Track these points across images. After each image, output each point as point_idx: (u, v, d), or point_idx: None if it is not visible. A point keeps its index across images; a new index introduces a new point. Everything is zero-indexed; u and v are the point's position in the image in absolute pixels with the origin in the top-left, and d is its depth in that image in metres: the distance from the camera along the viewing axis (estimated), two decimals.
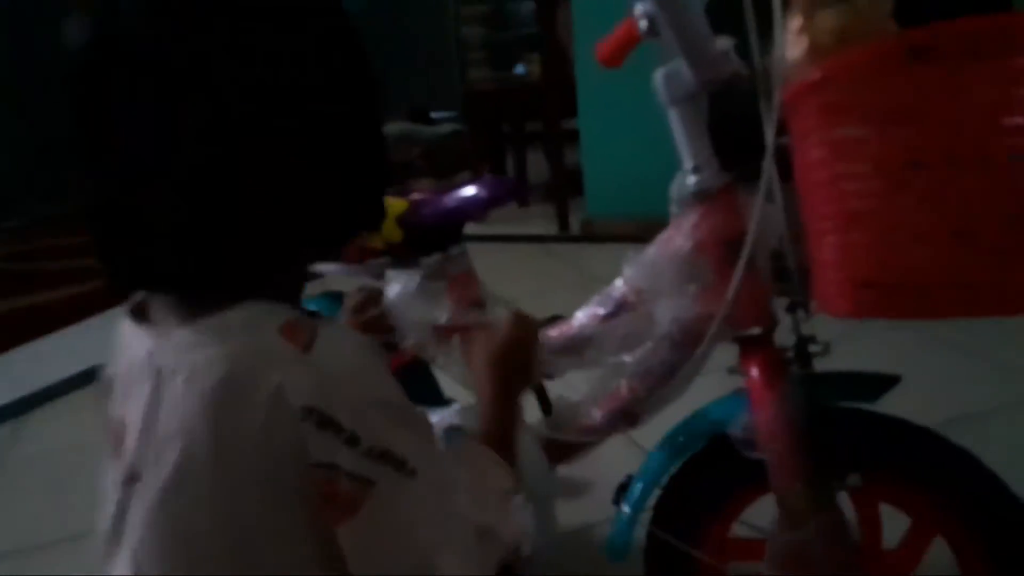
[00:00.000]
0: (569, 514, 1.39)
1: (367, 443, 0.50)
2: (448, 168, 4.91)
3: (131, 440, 0.54)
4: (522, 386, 0.81)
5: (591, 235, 3.27)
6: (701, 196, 0.83)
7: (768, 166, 0.76)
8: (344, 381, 0.51)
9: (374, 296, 0.97)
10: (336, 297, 1.31)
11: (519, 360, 0.82)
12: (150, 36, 0.49)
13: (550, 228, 3.44)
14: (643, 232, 3.43)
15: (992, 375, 1.74)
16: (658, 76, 0.83)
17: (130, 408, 0.55)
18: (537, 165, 4.12)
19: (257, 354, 0.50)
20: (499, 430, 0.76)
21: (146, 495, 0.52)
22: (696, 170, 0.83)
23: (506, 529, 0.63)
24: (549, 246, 3.27)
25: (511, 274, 2.95)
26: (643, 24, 0.86)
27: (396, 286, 0.97)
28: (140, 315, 0.58)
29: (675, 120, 0.83)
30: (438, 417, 1.14)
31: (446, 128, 5.20)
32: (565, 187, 3.42)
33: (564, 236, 3.36)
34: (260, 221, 0.52)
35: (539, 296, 2.73)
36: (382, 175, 0.62)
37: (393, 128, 4.99)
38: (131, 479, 0.54)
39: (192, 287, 0.54)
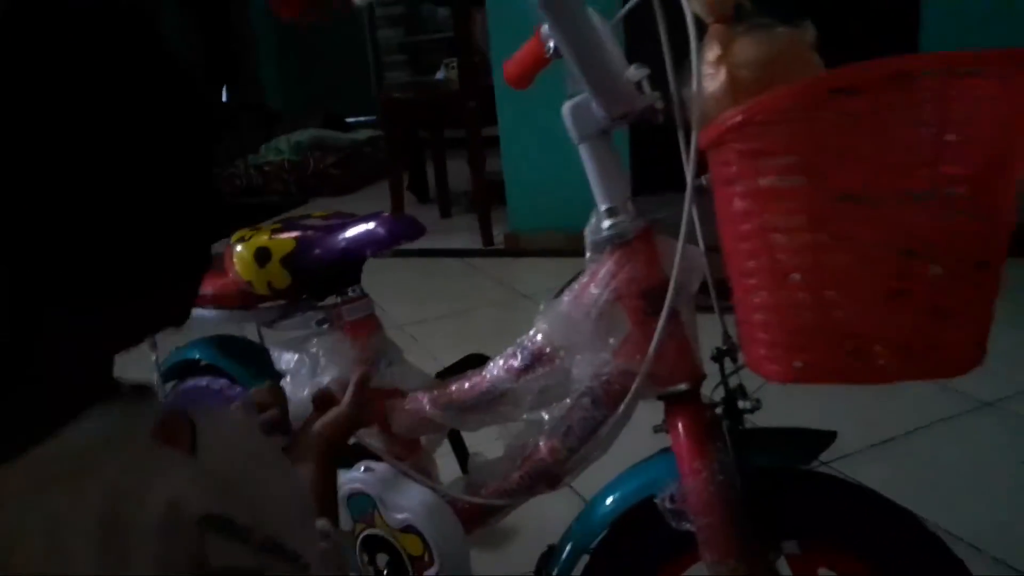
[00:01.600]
0: (487, 566, 1.32)
1: (261, 535, 0.45)
2: (363, 177, 4.79)
3: None
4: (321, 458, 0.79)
5: (516, 249, 3.21)
6: (617, 241, 0.77)
7: (688, 208, 0.70)
8: (237, 478, 0.46)
9: (274, 393, 0.85)
10: (227, 342, 1.20)
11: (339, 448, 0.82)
12: None
13: (473, 241, 3.37)
14: (570, 245, 3.40)
15: (910, 398, 1.75)
16: (565, 110, 0.76)
17: None
18: (460, 172, 4.04)
19: (136, 472, 0.41)
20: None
21: None
22: (611, 213, 0.77)
23: None
24: (472, 261, 3.19)
25: (431, 292, 2.87)
26: (550, 45, 0.80)
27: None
28: None
29: (586, 158, 0.77)
30: (342, 479, 1.06)
31: (362, 135, 5.10)
32: (487, 198, 3.35)
33: (487, 250, 3.29)
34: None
35: (461, 316, 2.65)
36: (190, 258, 0.49)
37: (305, 135, 4.86)
38: None
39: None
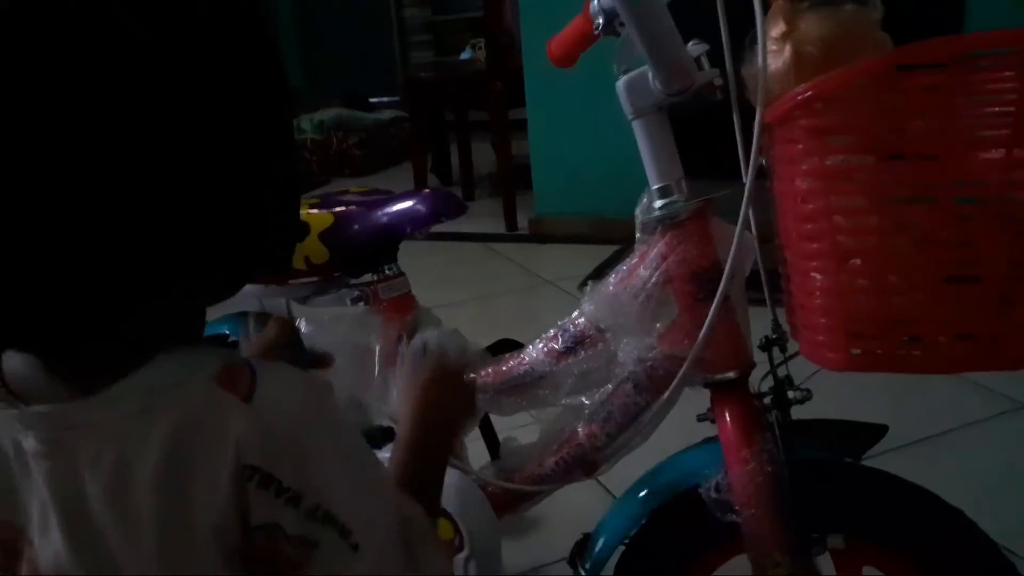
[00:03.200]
0: (517, 555, 1.32)
1: (310, 502, 0.47)
2: (387, 158, 4.79)
3: (38, 544, 0.48)
4: (447, 436, 0.76)
5: (540, 234, 3.20)
6: (668, 222, 0.76)
7: (748, 191, 0.69)
8: (287, 435, 0.47)
9: (287, 328, 0.84)
10: (258, 318, 1.21)
11: (444, 409, 0.75)
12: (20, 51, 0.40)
13: (496, 226, 3.35)
14: (595, 232, 3.39)
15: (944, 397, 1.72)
16: (620, 85, 0.75)
17: (29, 510, 0.47)
18: (483, 155, 4.02)
19: (196, 414, 0.46)
20: (416, 482, 0.68)
21: None
22: (663, 192, 0.76)
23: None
24: (495, 245, 3.18)
25: (454, 277, 2.86)
26: (599, 22, 0.79)
27: (317, 321, 0.88)
28: None
29: (640, 134, 0.76)
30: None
31: (386, 115, 5.10)
32: (512, 182, 3.33)
33: (511, 235, 3.28)
34: (131, 258, 0.44)
35: (484, 301, 2.65)
36: (285, 210, 0.52)
37: (328, 114, 4.86)
38: None
39: (75, 343, 0.46)
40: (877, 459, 0.80)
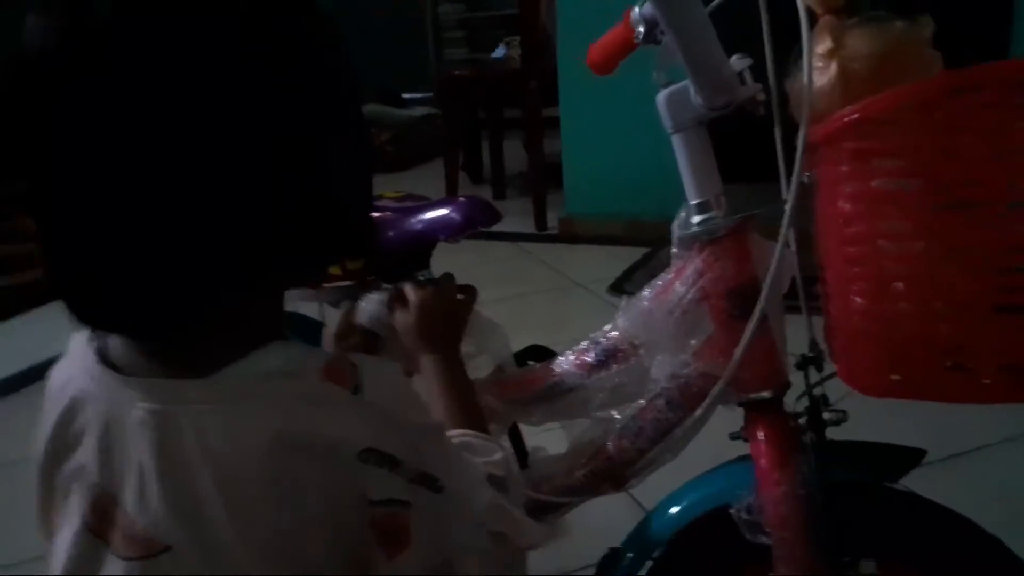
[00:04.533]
0: (542, 562, 1.32)
1: (411, 468, 0.51)
2: (418, 154, 4.81)
3: (133, 510, 0.49)
4: (452, 343, 0.87)
5: (571, 235, 3.19)
6: (706, 238, 0.75)
7: (789, 211, 0.68)
8: (396, 417, 0.52)
9: (351, 320, 0.93)
10: (292, 318, 1.21)
11: (445, 323, 0.87)
12: (128, 45, 0.44)
13: (527, 225, 3.35)
14: (627, 233, 3.37)
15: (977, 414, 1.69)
16: (660, 99, 0.74)
17: (124, 477, 0.49)
18: (515, 153, 4.02)
19: (308, 404, 0.49)
20: (457, 395, 0.80)
21: (182, 564, 0.48)
22: (702, 208, 0.75)
23: (519, 524, 0.65)
24: (525, 245, 3.18)
25: (482, 276, 2.83)
26: (640, 30, 0.78)
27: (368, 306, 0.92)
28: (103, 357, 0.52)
29: (679, 149, 0.75)
30: None
31: (418, 112, 5.11)
32: (544, 182, 3.33)
33: (541, 235, 3.28)
34: (238, 244, 0.48)
35: (513, 302, 2.65)
36: (367, 194, 0.58)
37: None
38: (149, 552, 0.49)
39: (173, 329, 0.50)
40: (911, 474, 0.78)
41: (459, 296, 0.92)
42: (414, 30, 5.49)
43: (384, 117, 4.84)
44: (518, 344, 1.14)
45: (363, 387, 0.50)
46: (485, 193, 4.02)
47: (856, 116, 0.57)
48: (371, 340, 0.93)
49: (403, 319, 0.87)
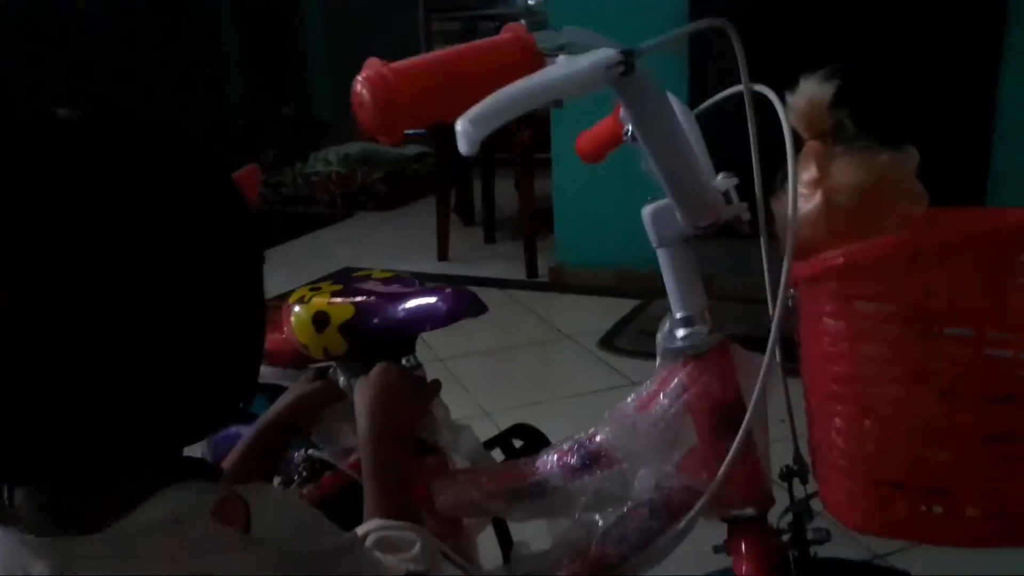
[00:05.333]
0: None
1: None
2: (409, 193, 4.80)
3: None
4: (397, 431, 0.86)
5: (560, 283, 3.19)
6: (691, 353, 0.75)
7: (774, 333, 0.68)
8: (291, 549, 0.51)
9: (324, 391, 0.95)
10: (273, 391, 1.20)
11: (391, 407, 0.87)
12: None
13: (517, 271, 3.35)
14: (617, 283, 3.36)
15: None
16: (646, 214, 0.74)
17: None
18: (507, 192, 4.03)
19: (195, 552, 0.48)
20: (382, 484, 0.80)
21: None
22: (686, 322, 0.75)
23: None
24: (515, 293, 3.17)
25: (472, 325, 2.82)
26: (628, 127, 0.79)
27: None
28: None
29: (664, 263, 0.75)
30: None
31: (410, 150, 5.13)
32: (534, 229, 3.33)
33: (531, 282, 3.27)
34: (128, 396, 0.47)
35: (500, 354, 2.64)
36: (257, 355, 0.57)
37: (354, 148, 4.90)
38: None
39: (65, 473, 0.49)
40: (898, 556, 0.77)
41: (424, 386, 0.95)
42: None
43: (376, 155, 4.85)
44: (504, 401, 1.12)
45: (253, 525, 0.50)
46: (476, 235, 4.02)
47: (840, 260, 0.57)
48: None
49: (353, 402, 0.88)
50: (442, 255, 3.66)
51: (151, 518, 0.48)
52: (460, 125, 0.53)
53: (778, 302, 0.65)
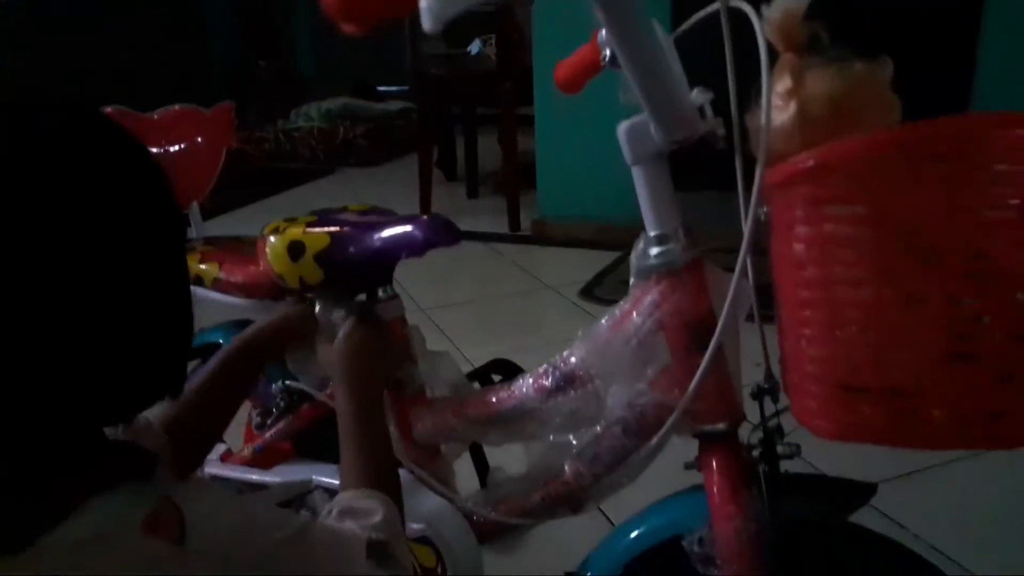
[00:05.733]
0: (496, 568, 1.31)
1: None
2: (392, 149, 4.77)
3: None
4: (377, 381, 0.88)
5: (543, 236, 3.19)
6: (664, 270, 0.75)
7: (746, 245, 0.68)
8: (230, 554, 0.51)
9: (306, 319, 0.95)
10: (236, 327, 1.20)
11: (367, 366, 0.87)
12: None
13: (500, 225, 3.35)
14: (599, 236, 3.38)
15: None
16: (621, 131, 0.74)
17: None
18: (489, 149, 4.00)
19: (126, 570, 0.46)
20: (356, 446, 0.79)
21: None
22: (660, 240, 0.75)
23: None
24: (497, 246, 3.17)
25: (454, 276, 2.85)
26: (606, 52, 0.78)
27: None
28: None
29: (639, 181, 0.75)
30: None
31: (393, 106, 5.07)
32: (517, 183, 3.32)
33: (514, 236, 3.27)
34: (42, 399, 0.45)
35: (484, 304, 2.64)
36: (184, 341, 0.55)
37: (336, 103, 4.85)
38: None
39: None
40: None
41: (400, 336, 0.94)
42: (391, 23, 5.43)
43: (359, 110, 4.80)
44: (486, 349, 1.12)
45: (187, 535, 0.48)
46: (459, 190, 4.01)
47: (811, 163, 0.57)
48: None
49: (326, 353, 0.88)
50: (424, 210, 3.64)
51: (76, 535, 0.45)
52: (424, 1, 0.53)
53: (749, 213, 0.65)
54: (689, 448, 0.80)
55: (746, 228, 0.66)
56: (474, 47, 4.18)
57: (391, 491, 0.74)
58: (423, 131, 3.78)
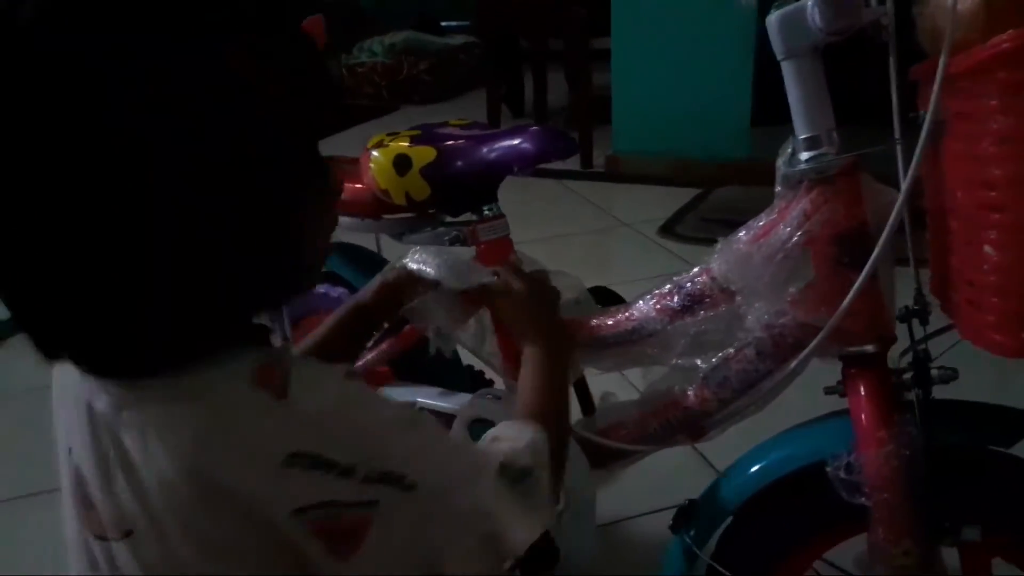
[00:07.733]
0: (600, 505, 1.30)
1: (363, 470, 0.51)
2: (456, 85, 4.70)
3: (96, 492, 0.53)
4: (557, 336, 0.81)
5: (616, 173, 3.12)
6: (815, 177, 0.70)
7: (920, 149, 0.62)
8: (327, 417, 0.52)
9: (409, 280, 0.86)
10: (348, 250, 1.18)
11: (549, 316, 0.82)
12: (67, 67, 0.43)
13: (571, 162, 3.27)
14: (675, 173, 3.30)
15: None
16: (772, 20, 0.68)
17: (84, 457, 0.53)
18: (558, 86, 3.91)
19: (230, 410, 0.50)
20: (547, 396, 0.75)
21: (143, 549, 0.52)
22: (811, 143, 0.70)
23: (518, 522, 0.61)
24: (569, 183, 3.11)
25: (526, 214, 2.78)
26: None
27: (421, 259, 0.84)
28: None
29: (790, 77, 0.70)
30: (460, 406, 1.04)
31: (457, 40, 4.99)
32: (590, 116, 3.24)
33: (586, 172, 3.21)
34: (194, 290, 0.48)
35: (558, 242, 2.60)
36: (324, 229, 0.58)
37: (398, 37, 4.79)
38: (119, 534, 0.53)
39: (127, 374, 0.51)
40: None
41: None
42: None
43: (421, 45, 4.73)
44: None
45: (289, 391, 0.50)
46: (561, 160, 3.93)
47: (1008, 45, 0.52)
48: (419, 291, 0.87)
49: (510, 307, 0.82)
50: None
51: (189, 379, 0.50)
52: None
53: (930, 109, 0.60)
54: (825, 373, 0.76)
55: (924, 129, 0.61)
56: None
57: (559, 446, 0.70)
58: (489, 64, 3.70)
